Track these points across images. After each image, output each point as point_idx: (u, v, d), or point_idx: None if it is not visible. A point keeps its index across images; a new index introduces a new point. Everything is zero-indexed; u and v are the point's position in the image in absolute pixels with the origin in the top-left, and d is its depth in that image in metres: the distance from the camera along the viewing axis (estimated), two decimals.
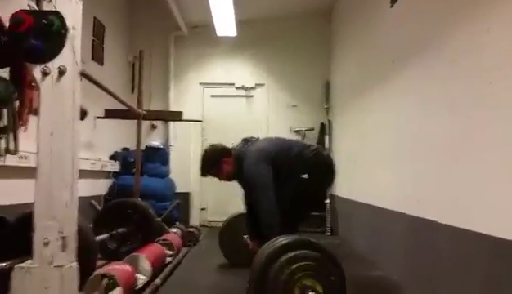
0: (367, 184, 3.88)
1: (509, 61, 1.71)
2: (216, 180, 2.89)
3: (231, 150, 2.82)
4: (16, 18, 1.54)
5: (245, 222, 3.03)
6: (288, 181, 2.63)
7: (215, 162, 2.78)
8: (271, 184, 2.51)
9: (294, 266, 1.80)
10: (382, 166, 3.44)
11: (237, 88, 5.93)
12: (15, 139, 1.80)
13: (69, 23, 1.57)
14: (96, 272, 2.14)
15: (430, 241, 2.39)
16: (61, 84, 1.56)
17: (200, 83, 5.96)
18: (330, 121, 5.62)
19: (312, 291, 1.75)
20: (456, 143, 2.15)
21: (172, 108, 5.69)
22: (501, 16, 1.77)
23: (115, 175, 4.99)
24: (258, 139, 2.89)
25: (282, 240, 1.92)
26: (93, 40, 4.59)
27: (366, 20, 4.08)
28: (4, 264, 1.70)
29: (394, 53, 3.15)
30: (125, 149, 5.24)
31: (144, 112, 3.92)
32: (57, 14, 1.56)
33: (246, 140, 2.87)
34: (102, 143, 4.75)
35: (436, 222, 2.30)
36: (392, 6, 3.21)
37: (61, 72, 1.55)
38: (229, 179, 2.84)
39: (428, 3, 2.58)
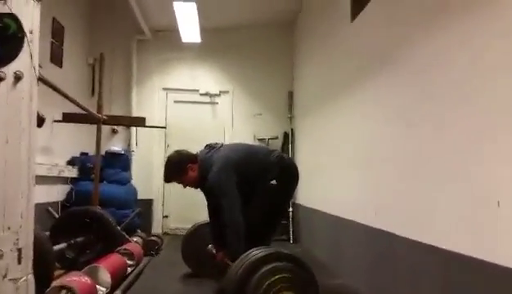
0: (327, 193, 3.96)
1: (460, 78, 1.81)
2: (179, 186, 2.85)
3: (196, 156, 2.80)
4: None
5: (210, 232, 2.99)
6: (257, 188, 2.65)
7: (180, 168, 2.74)
8: (236, 194, 2.52)
9: (274, 278, 1.81)
10: (341, 176, 3.52)
11: (201, 95, 5.90)
12: None
13: (26, 26, 1.50)
14: (54, 284, 2.05)
15: (389, 252, 2.45)
16: (17, 90, 1.48)
17: (164, 88, 5.88)
18: (293, 130, 5.70)
19: None
20: (412, 155, 2.22)
21: (135, 112, 5.57)
22: (456, 35, 1.86)
23: (73, 181, 4.81)
24: (222, 145, 2.87)
25: (259, 252, 1.93)
26: (52, 42, 4.43)
27: (327, 34, 4.17)
28: None
29: (355, 65, 3.25)
30: (84, 154, 5.06)
31: (104, 116, 3.83)
32: (13, 16, 1.49)
33: (210, 146, 2.85)
34: (60, 147, 4.57)
35: (393, 234, 2.36)
36: (352, 21, 3.32)
37: (18, 77, 1.47)
38: (195, 186, 2.81)
39: (386, 20, 2.68)
